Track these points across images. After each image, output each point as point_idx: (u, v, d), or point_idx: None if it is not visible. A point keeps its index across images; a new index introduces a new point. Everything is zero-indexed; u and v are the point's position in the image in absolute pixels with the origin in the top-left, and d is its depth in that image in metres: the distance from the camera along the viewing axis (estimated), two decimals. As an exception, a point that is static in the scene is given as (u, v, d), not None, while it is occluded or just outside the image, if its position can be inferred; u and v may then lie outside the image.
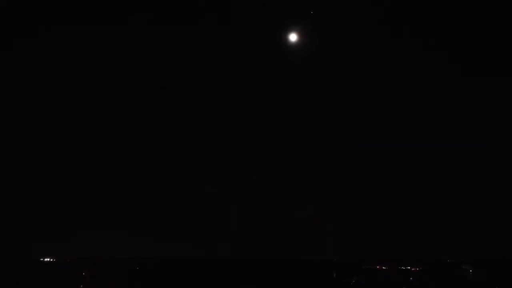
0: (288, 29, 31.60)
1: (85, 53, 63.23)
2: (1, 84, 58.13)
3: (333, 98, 71.21)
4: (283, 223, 73.88)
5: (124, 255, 75.10)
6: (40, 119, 71.94)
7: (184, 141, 78.92)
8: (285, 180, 77.28)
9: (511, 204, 63.13)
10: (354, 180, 74.81)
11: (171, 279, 65.39)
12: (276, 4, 39.85)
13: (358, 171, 74.42)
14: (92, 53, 63.12)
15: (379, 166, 75.39)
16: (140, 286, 62.35)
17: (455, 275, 66.26)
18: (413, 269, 69.31)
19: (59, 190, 73.35)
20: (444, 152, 72.38)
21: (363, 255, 74.75)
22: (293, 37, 32.70)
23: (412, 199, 73.11)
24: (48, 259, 75.47)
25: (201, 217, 76.60)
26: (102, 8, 53.88)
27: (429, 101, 69.19)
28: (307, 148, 75.09)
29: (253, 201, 76.52)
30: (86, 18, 56.01)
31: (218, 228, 75.00)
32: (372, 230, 72.24)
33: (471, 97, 67.83)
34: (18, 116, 68.14)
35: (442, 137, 72.09)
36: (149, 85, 71.89)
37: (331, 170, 74.98)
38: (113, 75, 69.37)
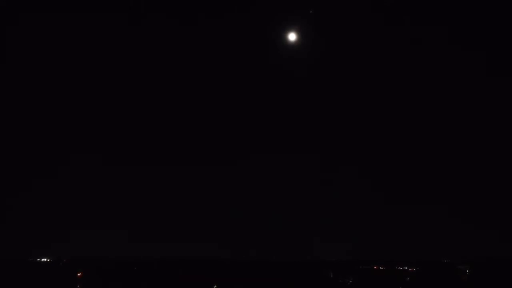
0: (287, 29, 31.65)
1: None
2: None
3: (331, 96, 71.48)
4: (282, 224, 73.96)
5: (118, 255, 75.07)
6: (40, 119, 71.78)
7: (182, 141, 78.91)
8: (284, 182, 77.34)
9: (507, 206, 63.49)
10: (352, 181, 75.02)
11: (166, 279, 65.29)
12: (276, 4, 40.14)
13: (356, 172, 74.64)
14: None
15: (377, 167, 75.66)
16: (135, 285, 62.19)
17: (451, 275, 66.42)
18: (410, 269, 69.49)
19: (55, 191, 73.20)
20: (441, 153, 72.72)
21: (360, 256, 74.98)
22: (292, 36, 32.73)
23: (409, 200, 73.40)
24: (45, 260, 75.25)
25: (197, 218, 76.57)
26: (103, 7, 54.08)
27: (431, 100, 69.49)
28: (305, 148, 75.23)
29: (252, 203, 76.58)
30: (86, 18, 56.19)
31: (216, 229, 74.94)
32: (369, 231, 72.44)
33: (471, 95, 68.20)
34: (16, 119, 68.11)
35: (439, 141, 72.46)
36: (148, 85, 71.88)
37: (329, 171, 75.18)
38: (108, 72, 69.41)
